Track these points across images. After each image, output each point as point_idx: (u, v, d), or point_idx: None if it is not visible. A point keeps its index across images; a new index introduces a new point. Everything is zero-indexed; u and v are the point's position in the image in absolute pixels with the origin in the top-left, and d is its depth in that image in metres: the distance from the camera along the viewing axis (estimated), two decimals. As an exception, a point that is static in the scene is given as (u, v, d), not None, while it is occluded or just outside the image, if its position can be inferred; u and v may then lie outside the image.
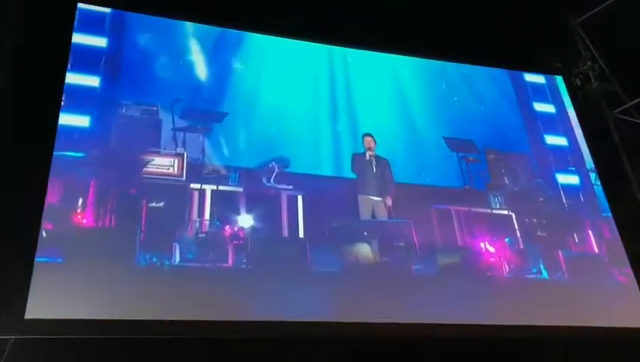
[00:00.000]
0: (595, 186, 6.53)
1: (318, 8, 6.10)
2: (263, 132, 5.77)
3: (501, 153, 6.52)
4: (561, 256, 5.92)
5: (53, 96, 4.87)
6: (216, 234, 5.05)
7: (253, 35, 6.35)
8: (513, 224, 6.01)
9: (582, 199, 6.45)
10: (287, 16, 6.02)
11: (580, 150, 6.73)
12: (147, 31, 5.96)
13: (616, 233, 6.13)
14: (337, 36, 6.18)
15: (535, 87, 7.09)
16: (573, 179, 6.56)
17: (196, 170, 5.30)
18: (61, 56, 5.08)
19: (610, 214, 6.24)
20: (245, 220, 5.17)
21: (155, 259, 4.73)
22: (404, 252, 5.44)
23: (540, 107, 7.04)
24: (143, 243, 4.78)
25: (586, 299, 5.69)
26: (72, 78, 5.27)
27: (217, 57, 6.18)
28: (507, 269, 5.68)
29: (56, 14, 5.12)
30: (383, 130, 6.23)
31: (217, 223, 5.10)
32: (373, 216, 5.62)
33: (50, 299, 4.10)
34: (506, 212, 6.10)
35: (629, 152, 5.94)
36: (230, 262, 4.96)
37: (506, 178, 6.34)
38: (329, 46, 6.54)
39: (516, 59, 6.31)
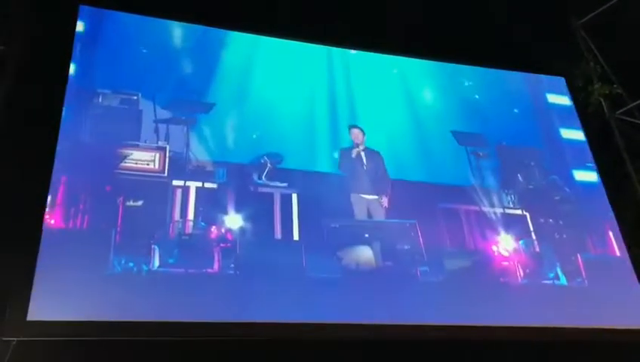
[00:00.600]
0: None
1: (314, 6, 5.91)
2: (254, 124, 5.38)
3: (513, 147, 6.16)
4: (580, 260, 5.56)
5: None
6: (200, 236, 4.65)
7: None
8: (528, 225, 5.67)
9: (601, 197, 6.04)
10: (283, 15, 5.87)
11: (599, 145, 6.36)
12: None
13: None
14: (336, 36, 6.00)
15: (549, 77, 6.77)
16: (591, 176, 6.20)
17: (179, 166, 4.91)
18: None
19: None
20: (233, 221, 4.79)
21: (131, 264, 4.32)
22: (408, 255, 5.09)
23: (554, 98, 6.65)
24: (118, 247, 4.36)
25: (609, 307, 5.28)
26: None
27: (205, 44, 5.77)
28: (522, 274, 5.32)
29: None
30: (385, 124, 5.87)
31: (202, 224, 4.71)
32: (369, 216, 5.25)
33: (52, 301, 3.90)
34: (519, 211, 5.74)
35: (632, 153, 5.83)
36: (216, 267, 4.56)
37: (519, 175, 5.97)
38: (329, 40, 6.21)
39: (518, 61, 6.20)
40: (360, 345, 4.46)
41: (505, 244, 5.42)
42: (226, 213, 4.80)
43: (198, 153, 5.02)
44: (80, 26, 5.22)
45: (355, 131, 5.65)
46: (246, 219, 4.81)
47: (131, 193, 4.60)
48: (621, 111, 6.04)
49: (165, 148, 4.92)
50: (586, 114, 6.05)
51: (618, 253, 5.73)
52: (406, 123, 5.96)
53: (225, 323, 4.34)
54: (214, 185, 4.92)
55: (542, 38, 6.12)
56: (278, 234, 4.89)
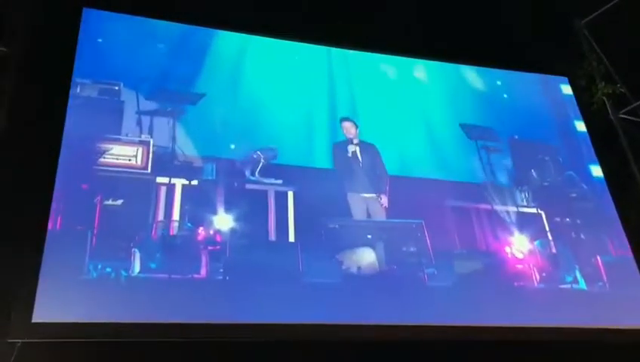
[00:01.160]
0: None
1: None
2: (247, 117, 5.07)
3: (527, 141, 5.85)
4: (600, 262, 5.23)
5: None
6: (186, 238, 4.31)
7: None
8: (543, 224, 5.36)
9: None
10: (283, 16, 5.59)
11: (618, 138, 6.05)
12: None
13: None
14: (334, 36, 5.76)
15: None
16: (609, 172, 5.86)
17: (164, 161, 4.58)
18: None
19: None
20: (223, 221, 4.46)
21: (108, 269, 3.97)
22: (415, 258, 4.77)
23: (569, 90, 6.35)
24: (94, 250, 4.01)
25: (633, 313, 4.96)
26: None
27: (195, 32, 5.42)
28: (537, 278, 5.00)
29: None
30: (387, 116, 5.56)
31: (189, 225, 4.37)
32: (368, 216, 4.93)
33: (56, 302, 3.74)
34: (534, 210, 5.43)
35: (636, 153, 5.69)
36: (203, 272, 4.21)
37: (533, 170, 5.65)
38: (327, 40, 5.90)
39: (520, 61, 6.07)
40: (360, 346, 4.25)
41: (519, 245, 5.13)
42: (214, 212, 4.48)
43: (185, 147, 4.69)
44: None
45: (347, 125, 5.33)
46: (237, 219, 4.49)
47: (110, 191, 4.27)
48: (625, 110, 5.90)
49: (149, 142, 4.60)
50: (589, 113, 5.97)
51: (642, 255, 5.38)
52: (411, 115, 5.66)
53: (232, 325, 4.10)
54: (202, 183, 4.59)
55: (544, 38, 6.04)
56: (272, 236, 4.57)
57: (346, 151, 5.18)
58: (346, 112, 5.40)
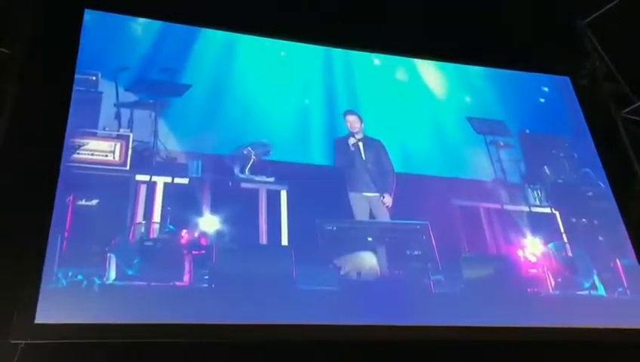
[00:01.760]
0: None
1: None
2: (237, 109, 4.74)
3: (539, 136, 5.55)
4: (619, 266, 4.89)
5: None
6: (168, 241, 3.97)
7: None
8: (558, 225, 5.03)
9: (640, 192, 5.44)
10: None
11: (636, 132, 5.81)
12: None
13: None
14: (335, 36, 5.51)
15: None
16: (628, 168, 5.54)
17: (145, 157, 4.26)
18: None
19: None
20: (209, 223, 4.13)
21: (80, 277, 3.60)
22: (420, 263, 4.45)
23: (571, 90, 6.01)
24: (64, 255, 3.65)
25: None
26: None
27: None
28: (553, 284, 4.67)
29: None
30: (390, 110, 5.24)
31: (171, 227, 4.02)
32: (372, 217, 4.62)
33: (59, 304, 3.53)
34: (548, 210, 5.10)
35: (638, 152, 5.61)
36: (186, 279, 3.87)
37: (546, 167, 5.34)
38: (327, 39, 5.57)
39: (522, 60, 5.89)
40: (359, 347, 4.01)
41: (532, 248, 4.81)
42: (200, 213, 4.14)
43: (168, 142, 4.35)
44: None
45: (351, 118, 5.01)
46: (224, 220, 4.15)
47: (84, 190, 3.91)
48: (627, 110, 5.81)
49: (128, 136, 4.26)
50: (591, 113, 5.83)
51: (666, 258, 5.07)
52: (414, 109, 5.34)
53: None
54: (187, 181, 4.26)
55: (546, 38, 5.95)
56: (264, 239, 4.25)
57: (348, 146, 4.87)
58: (347, 106, 5.11)
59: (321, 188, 4.60)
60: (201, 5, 5.03)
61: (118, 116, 4.31)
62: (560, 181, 5.30)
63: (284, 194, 4.42)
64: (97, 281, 3.63)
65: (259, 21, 5.18)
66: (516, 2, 5.95)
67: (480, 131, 5.28)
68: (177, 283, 3.82)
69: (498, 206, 4.94)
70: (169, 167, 4.24)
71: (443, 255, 4.49)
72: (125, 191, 4.04)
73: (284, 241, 4.25)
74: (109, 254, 3.73)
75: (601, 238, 5.03)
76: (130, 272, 3.74)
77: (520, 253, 4.75)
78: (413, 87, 5.46)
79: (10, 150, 3.90)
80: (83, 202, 3.85)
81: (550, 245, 4.86)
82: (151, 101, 4.45)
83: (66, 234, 3.72)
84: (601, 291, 4.73)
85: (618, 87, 5.88)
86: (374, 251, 4.38)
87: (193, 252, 3.95)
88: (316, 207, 4.45)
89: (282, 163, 4.57)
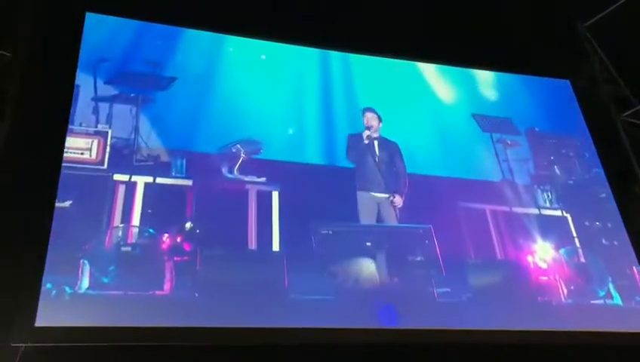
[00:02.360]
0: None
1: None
2: (226, 104, 4.51)
3: (548, 134, 5.34)
4: (636, 273, 4.70)
5: None
6: (148, 247, 3.74)
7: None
8: (570, 229, 4.86)
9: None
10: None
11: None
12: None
13: None
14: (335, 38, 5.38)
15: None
16: (642, 169, 5.40)
17: (125, 156, 4.04)
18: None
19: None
20: (193, 227, 3.91)
21: (49, 286, 3.37)
22: (422, 269, 4.25)
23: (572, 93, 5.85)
24: None
25: None
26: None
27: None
28: (565, 292, 4.48)
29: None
30: (390, 108, 4.99)
31: (151, 231, 3.79)
32: (380, 219, 4.42)
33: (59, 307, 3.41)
34: (559, 212, 4.91)
35: (639, 156, 5.55)
36: (167, 287, 3.62)
37: (556, 167, 5.16)
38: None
39: (523, 63, 5.83)
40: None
41: (542, 254, 4.62)
42: (183, 216, 3.92)
43: (151, 139, 4.14)
44: None
45: (369, 115, 4.83)
46: (210, 224, 3.95)
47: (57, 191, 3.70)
48: (627, 113, 5.76)
49: (107, 133, 4.04)
50: (591, 116, 5.76)
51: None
52: (416, 106, 5.12)
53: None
54: (170, 181, 4.05)
55: (547, 41, 5.95)
56: (253, 244, 4.01)
57: (362, 143, 4.67)
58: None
59: (317, 190, 4.38)
60: (194, 8, 4.91)
61: (95, 111, 4.10)
62: (571, 182, 5.12)
63: (275, 195, 4.22)
64: (68, 290, 3.40)
65: (258, 22, 5.05)
66: (516, 5, 5.90)
67: (486, 129, 5.10)
68: (157, 292, 3.59)
69: (506, 208, 4.76)
70: (151, 165, 4.04)
71: (447, 261, 4.28)
72: (102, 191, 3.81)
73: (276, 247, 4.04)
74: (82, 260, 3.51)
75: (615, 243, 4.83)
76: (105, 280, 3.51)
77: (529, 258, 4.56)
78: (412, 85, 5.28)
79: (10, 152, 3.82)
80: (55, 203, 3.61)
81: (561, 250, 4.67)
82: (132, 95, 4.24)
83: (33, 238, 3.50)
84: (617, 300, 4.53)
85: (618, 89, 5.86)
86: (373, 257, 4.18)
87: (175, 258, 3.73)
88: (311, 209, 4.24)
89: (274, 162, 4.38)
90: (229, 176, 4.20)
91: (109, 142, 3.98)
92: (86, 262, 3.49)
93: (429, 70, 5.36)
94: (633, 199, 5.29)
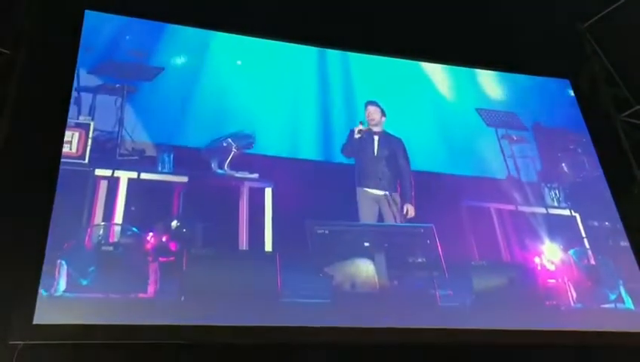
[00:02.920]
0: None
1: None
2: (216, 96, 4.39)
3: (555, 130, 5.24)
4: None
5: None
6: (131, 246, 3.60)
7: None
8: (578, 228, 4.74)
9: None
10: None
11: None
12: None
13: None
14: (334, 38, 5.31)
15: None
16: (653, 165, 5.31)
17: (107, 150, 3.91)
18: None
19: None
20: (180, 225, 3.79)
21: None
22: (424, 271, 4.11)
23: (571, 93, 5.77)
24: None
25: None
26: None
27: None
28: (574, 296, 4.34)
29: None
30: (390, 103, 4.82)
31: (134, 230, 3.64)
32: (380, 218, 4.28)
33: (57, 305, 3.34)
34: (567, 212, 4.78)
35: (638, 156, 5.53)
36: (151, 290, 3.47)
37: (563, 164, 5.04)
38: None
39: (522, 63, 5.80)
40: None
41: (550, 255, 4.49)
42: (169, 214, 3.78)
43: (136, 132, 4.00)
44: None
45: (371, 108, 4.72)
46: (198, 222, 3.82)
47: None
48: (627, 113, 5.74)
49: (88, 125, 3.90)
50: (591, 117, 5.72)
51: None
52: (417, 100, 4.99)
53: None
54: (155, 176, 3.92)
55: (546, 41, 5.86)
56: (244, 244, 3.86)
57: (362, 137, 4.54)
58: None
59: (312, 186, 4.25)
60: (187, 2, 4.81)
61: (77, 102, 3.96)
62: (579, 180, 5.01)
63: (268, 192, 4.08)
64: (44, 293, 3.23)
65: (258, 21, 4.96)
66: (516, 6, 5.85)
67: (491, 124, 4.97)
68: (140, 294, 3.43)
69: (512, 207, 4.63)
70: (135, 160, 3.91)
71: (450, 262, 4.14)
72: (82, 187, 3.67)
73: (268, 247, 3.89)
74: (59, 260, 3.35)
75: (626, 244, 4.68)
76: (84, 282, 3.36)
77: (537, 260, 4.45)
78: (413, 81, 5.16)
79: (10, 150, 3.73)
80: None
81: (570, 251, 4.55)
82: (117, 85, 4.09)
83: (8, 236, 3.34)
84: (629, 304, 4.40)
85: (618, 90, 5.83)
86: (372, 258, 4.04)
87: (160, 258, 3.57)
88: (306, 207, 4.10)
89: (267, 157, 4.26)
90: (219, 171, 4.08)
91: (90, 135, 3.84)
92: (63, 262, 3.35)
93: (429, 66, 5.24)
94: (631, 199, 5.23)
